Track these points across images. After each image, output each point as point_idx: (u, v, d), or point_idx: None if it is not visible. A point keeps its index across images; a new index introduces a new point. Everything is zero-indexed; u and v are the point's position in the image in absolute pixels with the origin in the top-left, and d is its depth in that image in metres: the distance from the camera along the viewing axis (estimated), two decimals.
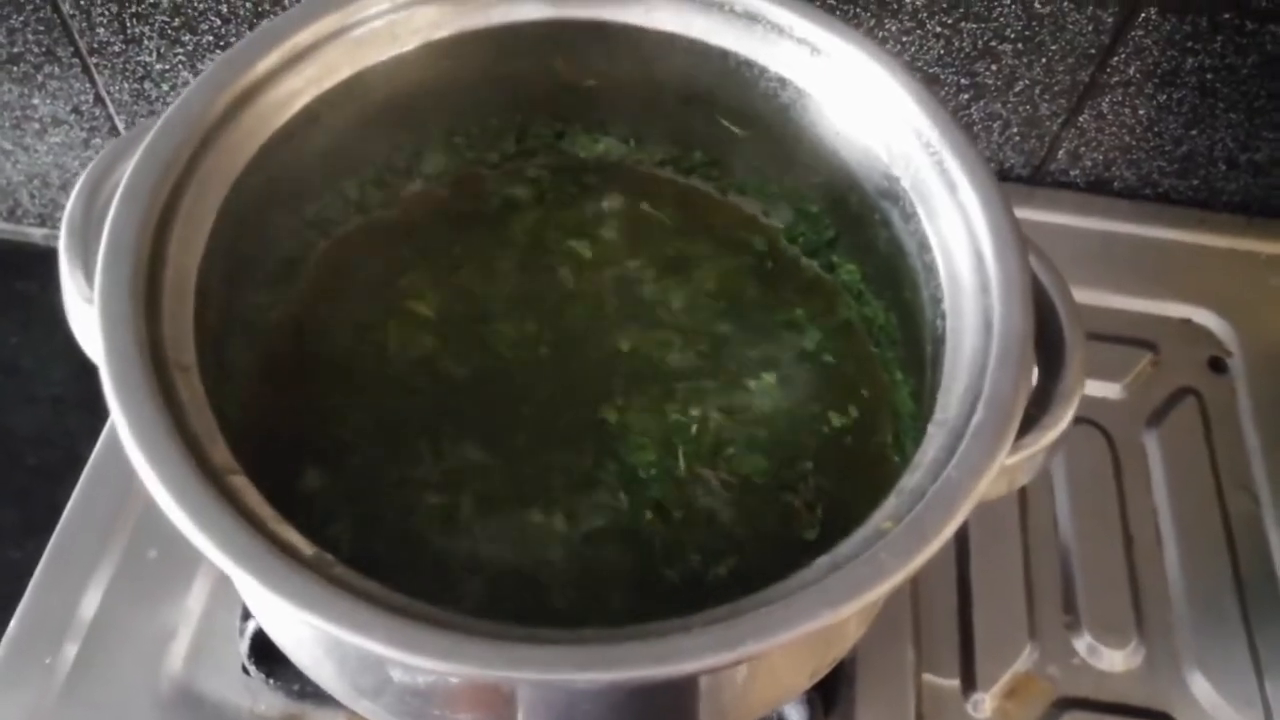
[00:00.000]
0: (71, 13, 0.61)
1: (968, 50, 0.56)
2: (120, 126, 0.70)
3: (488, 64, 0.44)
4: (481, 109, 0.47)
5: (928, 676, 0.47)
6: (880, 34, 0.56)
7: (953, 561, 0.50)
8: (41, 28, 0.63)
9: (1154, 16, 0.54)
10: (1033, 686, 0.48)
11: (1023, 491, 0.53)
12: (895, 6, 0.55)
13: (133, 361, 0.30)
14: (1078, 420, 0.56)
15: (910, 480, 0.31)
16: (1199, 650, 0.48)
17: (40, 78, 0.67)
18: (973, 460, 0.30)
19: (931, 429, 0.33)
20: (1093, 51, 0.56)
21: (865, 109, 0.40)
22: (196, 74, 0.64)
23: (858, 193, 0.42)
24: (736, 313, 0.47)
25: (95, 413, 0.34)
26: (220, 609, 0.48)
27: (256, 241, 0.39)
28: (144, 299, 0.32)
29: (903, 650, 0.47)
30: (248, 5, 0.60)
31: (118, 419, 0.29)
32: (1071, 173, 0.63)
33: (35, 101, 0.69)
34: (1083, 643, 0.49)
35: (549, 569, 0.37)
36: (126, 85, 0.67)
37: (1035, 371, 0.35)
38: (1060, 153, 0.62)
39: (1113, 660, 0.48)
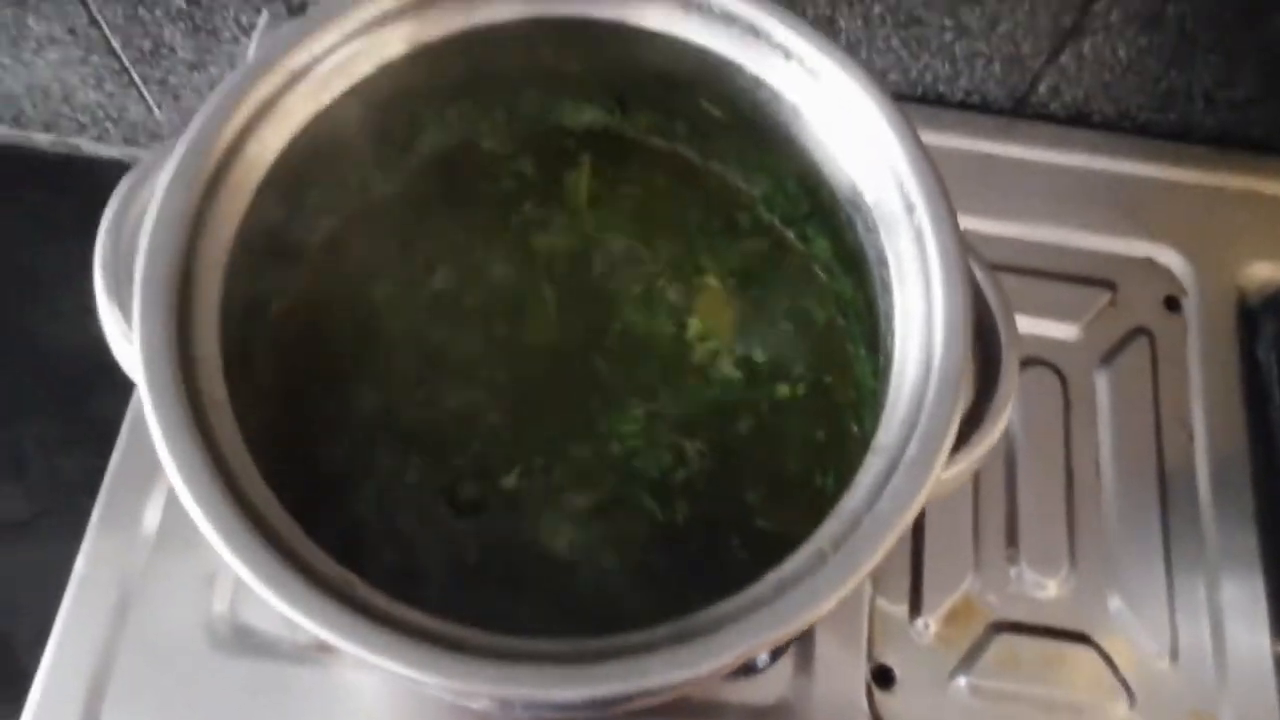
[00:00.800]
0: None
1: None
2: (116, 45, 0.71)
3: (474, 58, 0.46)
4: (472, 89, 0.49)
5: (880, 602, 0.54)
6: None
7: None
8: None
9: None
10: (971, 611, 0.54)
11: None
12: None
13: (177, 414, 0.34)
14: (1035, 362, 0.61)
15: (850, 502, 0.36)
16: (1121, 578, 0.55)
17: (32, 0, 0.67)
18: (903, 496, 0.35)
19: (871, 452, 0.37)
20: None
21: (834, 119, 0.42)
22: (188, 1, 0.65)
23: (827, 190, 0.45)
24: (712, 270, 0.51)
25: None
26: None
27: (268, 253, 0.43)
28: (178, 343, 0.35)
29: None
30: None
31: (169, 471, 0.33)
32: (1052, 106, 0.65)
33: (30, 22, 0.70)
34: (1020, 572, 0.55)
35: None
36: (120, 9, 0.67)
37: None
38: (1041, 88, 0.63)
39: (1045, 588, 0.55)
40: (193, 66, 0.72)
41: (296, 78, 0.41)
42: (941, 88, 0.64)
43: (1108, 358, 0.60)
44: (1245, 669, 0.53)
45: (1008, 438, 0.58)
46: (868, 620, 0.53)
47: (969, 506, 0.56)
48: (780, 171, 0.49)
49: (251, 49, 0.66)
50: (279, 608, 0.32)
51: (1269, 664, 0.53)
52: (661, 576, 0.42)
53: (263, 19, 0.65)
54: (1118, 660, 0.53)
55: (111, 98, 0.78)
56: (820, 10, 0.59)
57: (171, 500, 0.53)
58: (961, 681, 0.52)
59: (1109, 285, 0.62)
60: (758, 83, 0.44)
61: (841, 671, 0.52)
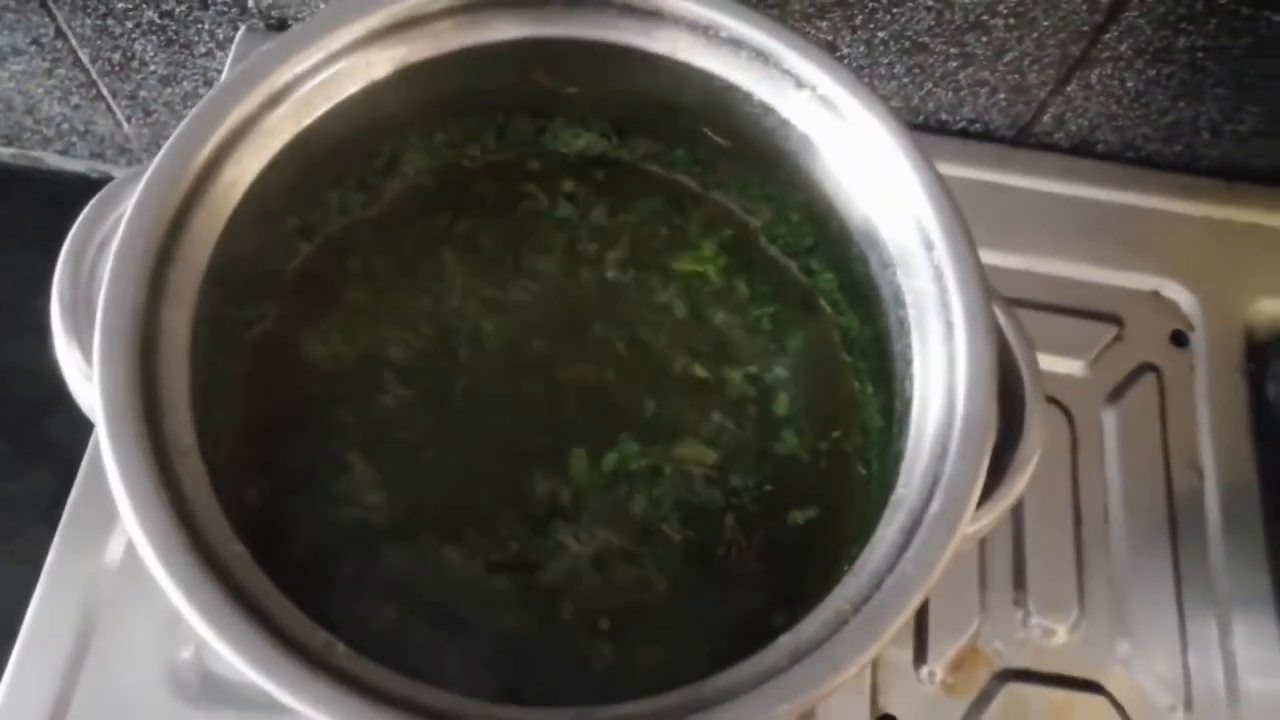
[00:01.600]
0: None
1: (959, 23, 0.55)
2: (84, 59, 0.68)
3: (465, 79, 0.43)
4: (461, 111, 0.47)
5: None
6: (871, 4, 0.55)
7: None
8: None
9: None
10: (978, 658, 0.52)
11: None
12: None
13: (139, 462, 0.31)
14: None
15: (870, 560, 0.34)
16: (1131, 624, 0.53)
17: None
18: (927, 555, 0.33)
19: (892, 504, 0.35)
20: (1085, 29, 0.55)
21: (847, 150, 0.41)
22: (161, 14, 0.62)
23: (838, 222, 0.43)
24: (715, 306, 0.48)
25: None
26: None
27: (242, 283, 0.40)
28: (141, 385, 0.33)
29: None
30: None
31: (129, 526, 0.30)
32: (1056, 135, 0.63)
33: None
34: (1028, 617, 0.53)
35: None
36: (89, 21, 0.64)
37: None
38: (1046, 117, 0.62)
39: (1054, 634, 0.53)
40: (165, 81, 0.69)
41: (278, 97, 0.38)
42: (944, 115, 0.62)
43: (1115, 394, 0.58)
44: (1259, 713, 0.52)
45: None
46: (870, 666, 0.51)
47: (974, 549, 0.54)
48: (785, 202, 0.47)
49: (228, 64, 0.63)
50: (247, 673, 0.30)
51: None
52: (669, 638, 0.40)
53: (240, 33, 0.62)
54: (1129, 708, 0.51)
55: (78, 110, 0.74)
56: (822, 35, 0.57)
57: None
58: None
59: (1115, 320, 0.60)
60: (766, 110, 0.42)
61: None
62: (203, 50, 0.65)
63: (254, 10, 0.61)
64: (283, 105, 0.39)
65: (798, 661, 0.31)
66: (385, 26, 0.40)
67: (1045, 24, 0.55)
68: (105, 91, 0.71)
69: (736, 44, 0.41)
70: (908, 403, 0.38)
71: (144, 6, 0.62)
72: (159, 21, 0.63)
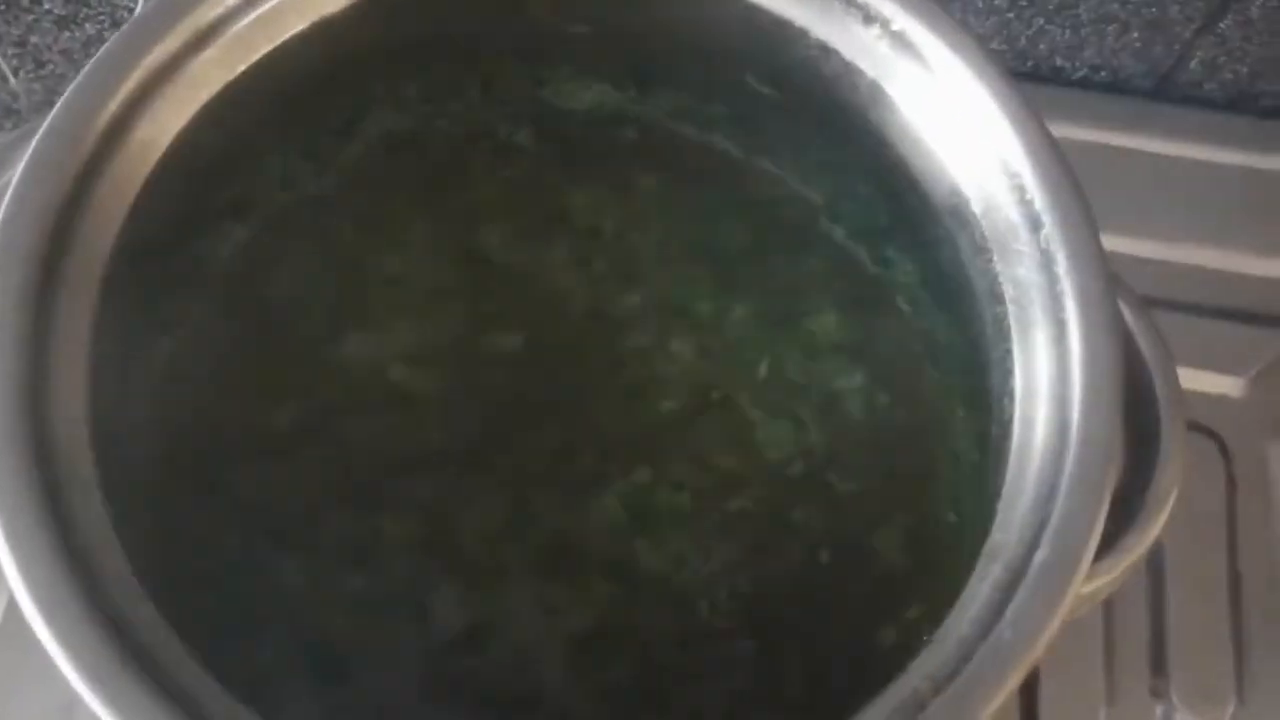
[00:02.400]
0: None
1: None
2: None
3: (444, 13, 0.44)
4: (438, 56, 0.48)
5: None
6: None
7: None
8: None
9: None
10: None
11: None
12: None
13: (22, 497, 0.32)
14: (1188, 428, 0.59)
15: (957, 625, 0.34)
16: None
17: None
18: (1031, 619, 0.33)
19: (986, 554, 0.35)
20: None
21: (929, 102, 0.41)
22: None
23: (918, 195, 0.43)
24: (761, 305, 0.49)
25: None
26: None
27: (159, 272, 0.41)
28: (27, 405, 0.33)
29: None
30: None
31: (10, 576, 0.31)
32: (1206, 86, 0.64)
33: None
34: (1170, 710, 0.53)
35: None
36: None
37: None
38: (1193, 62, 0.62)
39: None
40: (62, 22, 0.70)
41: (204, 37, 0.39)
42: (1059, 61, 0.63)
43: None
44: None
45: None
46: None
47: (1099, 620, 0.55)
48: (851, 170, 0.47)
49: (140, 1, 0.65)
50: None
51: None
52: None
53: None
54: None
55: None
56: None
57: None
58: None
59: None
60: (826, 52, 0.43)
61: None
62: None
63: None
64: (211, 47, 0.39)
65: None
66: None
67: None
68: None
69: None
70: (1006, 426, 0.38)
71: None
72: None
